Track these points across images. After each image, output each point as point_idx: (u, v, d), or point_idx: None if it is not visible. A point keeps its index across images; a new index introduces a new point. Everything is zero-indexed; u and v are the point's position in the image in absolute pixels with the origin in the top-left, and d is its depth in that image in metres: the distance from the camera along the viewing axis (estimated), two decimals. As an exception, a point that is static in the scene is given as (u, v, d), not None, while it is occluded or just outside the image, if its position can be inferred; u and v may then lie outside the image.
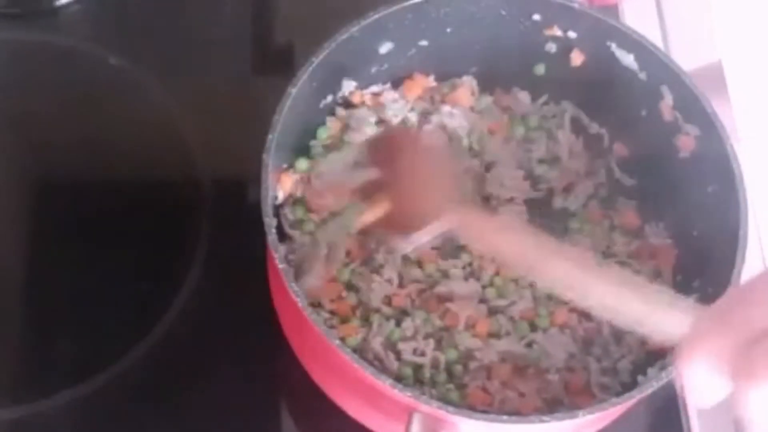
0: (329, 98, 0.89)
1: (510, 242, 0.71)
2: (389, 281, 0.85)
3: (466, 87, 0.93)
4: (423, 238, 0.73)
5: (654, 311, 0.59)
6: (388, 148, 0.77)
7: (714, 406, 0.85)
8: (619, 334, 0.84)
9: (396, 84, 0.93)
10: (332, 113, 0.91)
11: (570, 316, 0.85)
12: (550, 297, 0.85)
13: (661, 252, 0.88)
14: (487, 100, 0.94)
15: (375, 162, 0.76)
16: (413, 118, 0.93)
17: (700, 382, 0.52)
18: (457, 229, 0.73)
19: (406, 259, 0.86)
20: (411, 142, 0.80)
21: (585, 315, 0.85)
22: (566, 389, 0.82)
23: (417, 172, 0.75)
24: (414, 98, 0.93)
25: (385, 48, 0.89)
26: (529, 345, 0.83)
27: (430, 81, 0.94)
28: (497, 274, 0.86)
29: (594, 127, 0.93)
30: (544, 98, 0.94)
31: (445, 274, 0.86)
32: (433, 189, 0.74)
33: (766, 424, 0.50)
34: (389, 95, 0.92)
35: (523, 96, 0.94)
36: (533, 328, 0.84)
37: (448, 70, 0.94)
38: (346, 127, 0.91)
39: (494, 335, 0.84)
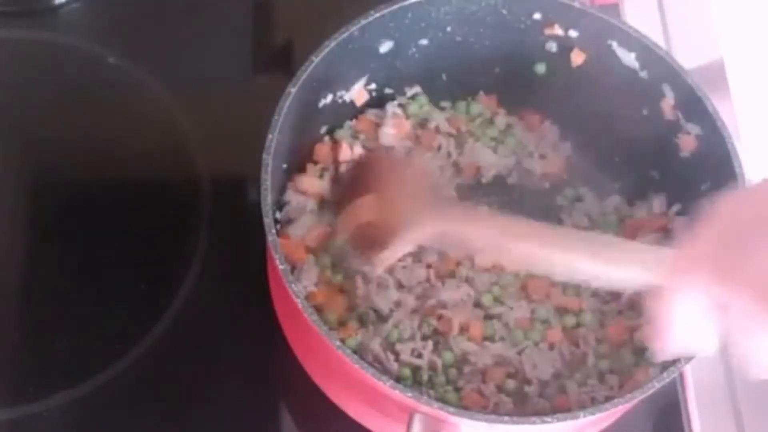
0: (329, 98, 0.89)
1: (479, 231, 0.73)
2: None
3: None
4: (396, 253, 0.77)
5: (623, 258, 0.61)
6: (367, 169, 0.81)
7: (716, 405, 0.86)
8: (602, 373, 0.84)
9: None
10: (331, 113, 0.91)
11: (561, 338, 0.85)
12: (545, 320, 0.85)
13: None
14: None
15: (355, 183, 0.79)
16: None
17: (691, 315, 0.52)
18: (432, 239, 0.76)
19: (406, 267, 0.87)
20: (388, 163, 0.83)
21: (575, 341, 0.85)
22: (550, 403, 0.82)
23: (393, 192, 0.78)
24: None
25: (385, 47, 0.89)
26: (521, 353, 0.83)
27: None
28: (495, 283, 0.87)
29: None
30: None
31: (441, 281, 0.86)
32: (406, 204, 0.76)
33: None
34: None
35: None
36: (526, 337, 0.85)
37: (449, 68, 0.94)
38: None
39: (489, 339, 0.84)
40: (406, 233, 0.75)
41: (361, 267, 0.84)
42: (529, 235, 0.69)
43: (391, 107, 0.93)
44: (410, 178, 0.79)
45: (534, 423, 0.72)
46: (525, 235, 0.69)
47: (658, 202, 0.90)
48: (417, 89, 0.94)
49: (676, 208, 0.88)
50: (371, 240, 0.78)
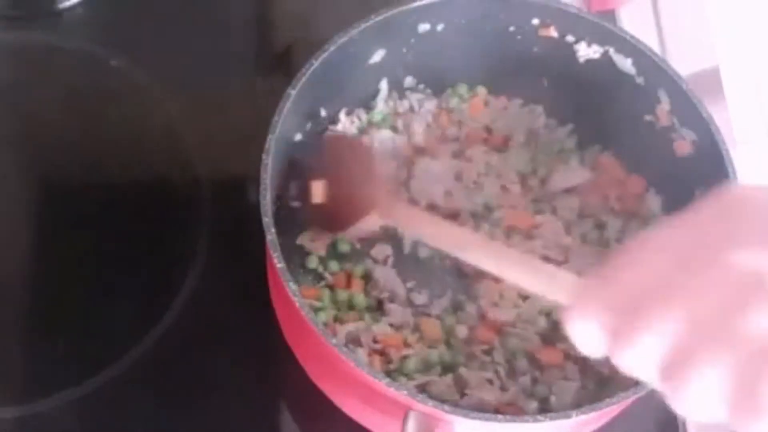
0: (329, 99, 0.90)
1: (434, 228, 0.77)
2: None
3: None
4: (363, 229, 0.82)
5: (541, 281, 0.65)
6: (328, 152, 0.85)
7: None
8: None
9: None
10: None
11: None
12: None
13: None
14: None
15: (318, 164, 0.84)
16: None
17: (585, 339, 0.55)
18: (391, 221, 0.81)
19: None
20: (346, 147, 0.87)
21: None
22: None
23: (352, 174, 0.82)
24: None
25: (384, 50, 0.89)
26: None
27: None
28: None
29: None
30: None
31: None
32: (366, 187, 0.81)
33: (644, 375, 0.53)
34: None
35: None
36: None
37: (447, 73, 0.94)
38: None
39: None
40: (356, 222, 0.80)
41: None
42: (461, 245, 0.74)
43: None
44: (361, 165, 0.83)
45: (527, 422, 0.72)
46: (458, 243, 0.74)
47: (655, 205, 0.91)
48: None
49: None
50: (327, 219, 0.84)
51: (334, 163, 0.84)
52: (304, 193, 0.85)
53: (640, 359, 0.52)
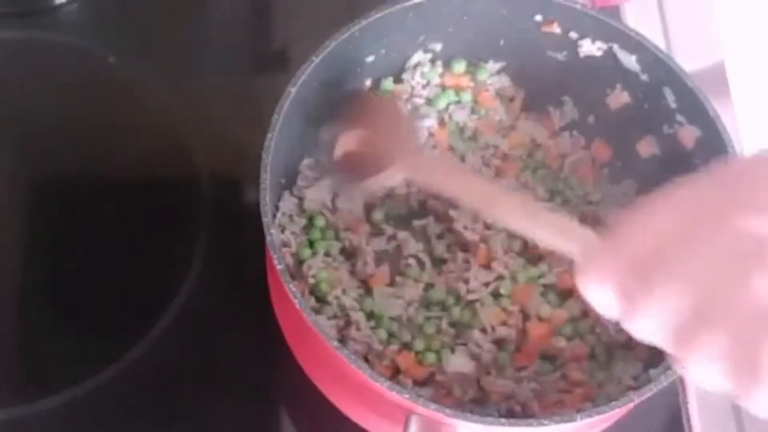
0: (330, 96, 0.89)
1: (454, 183, 0.77)
2: None
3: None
4: (385, 182, 0.82)
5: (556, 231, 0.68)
6: (360, 107, 0.85)
7: (717, 406, 0.86)
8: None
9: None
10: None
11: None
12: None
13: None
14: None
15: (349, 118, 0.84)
16: None
17: (599, 302, 0.58)
18: (412, 175, 0.80)
19: None
20: (374, 104, 0.88)
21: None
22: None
23: (379, 128, 0.82)
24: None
25: (385, 48, 0.89)
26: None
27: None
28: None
29: None
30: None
31: None
32: (391, 140, 0.81)
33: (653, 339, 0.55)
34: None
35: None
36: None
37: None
38: None
39: None
40: (381, 173, 0.80)
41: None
42: (487, 200, 0.74)
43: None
44: (391, 121, 0.84)
45: (531, 425, 0.72)
46: (477, 195, 0.75)
47: None
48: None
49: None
50: (355, 167, 0.82)
51: (360, 118, 0.84)
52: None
53: (651, 326, 0.54)
